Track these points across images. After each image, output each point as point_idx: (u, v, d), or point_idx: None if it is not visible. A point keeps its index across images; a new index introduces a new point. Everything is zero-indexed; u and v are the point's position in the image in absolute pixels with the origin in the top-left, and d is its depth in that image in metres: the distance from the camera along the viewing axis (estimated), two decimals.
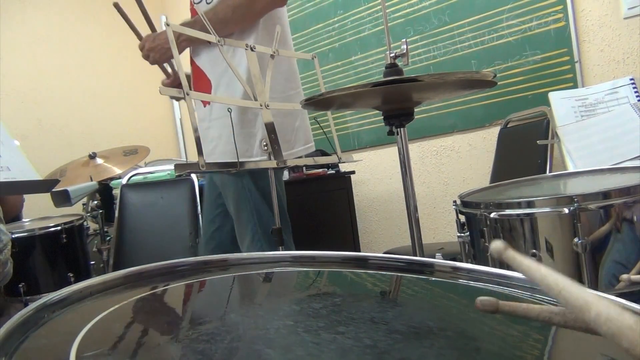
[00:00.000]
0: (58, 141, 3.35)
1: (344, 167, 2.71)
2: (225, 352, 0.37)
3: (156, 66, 1.56)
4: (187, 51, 1.51)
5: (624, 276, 0.87)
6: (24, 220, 2.44)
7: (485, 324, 0.42)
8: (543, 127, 2.03)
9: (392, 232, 2.88)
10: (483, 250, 1.04)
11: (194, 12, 1.50)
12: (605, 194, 0.91)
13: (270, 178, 1.88)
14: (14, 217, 2.41)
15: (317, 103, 1.22)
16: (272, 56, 1.91)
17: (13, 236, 1.73)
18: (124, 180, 2.38)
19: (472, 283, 0.54)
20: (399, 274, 0.60)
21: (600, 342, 0.27)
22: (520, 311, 0.36)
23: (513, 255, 0.34)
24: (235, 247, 1.51)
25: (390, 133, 1.29)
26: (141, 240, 2.25)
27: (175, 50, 1.53)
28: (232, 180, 1.45)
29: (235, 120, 1.31)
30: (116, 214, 2.28)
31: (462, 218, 1.14)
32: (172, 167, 2.09)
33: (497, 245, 0.35)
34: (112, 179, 2.49)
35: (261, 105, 1.72)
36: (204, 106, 1.48)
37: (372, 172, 2.91)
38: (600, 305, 0.25)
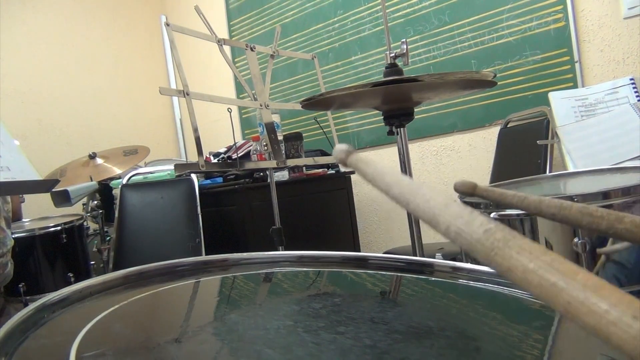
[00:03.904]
0: (58, 141, 3.35)
1: (344, 167, 2.71)
2: (225, 352, 0.37)
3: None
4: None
5: None
6: (24, 220, 2.44)
7: (485, 324, 0.42)
8: (543, 127, 2.03)
9: (392, 232, 2.88)
10: None
11: None
12: (605, 194, 0.91)
13: (270, 178, 1.88)
14: (14, 219, 2.40)
15: (317, 103, 1.22)
16: (272, 56, 1.91)
17: (13, 236, 1.73)
18: (124, 180, 2.38)
19: (472, 283, 0.54)
20: (399, 274, 0.60)
21: (601, 342, 0.27)
22: (497, 195, 0.36)
23: (357, 159, 0.30)
24: None
25: (390, 133, 1.30)
26: (141, 240, 2.25)
27: (175, 50, 1.53)
28: None
29: None
30: (116, 214, 2.28)
31: None
32: (172, 167, 2.09)
33: (340, 147, 0.31)
34: (112, 179, 2.49)
35: (261, 105, 1.72)
36: None
37: None
38: (448, 216, 0.22)
